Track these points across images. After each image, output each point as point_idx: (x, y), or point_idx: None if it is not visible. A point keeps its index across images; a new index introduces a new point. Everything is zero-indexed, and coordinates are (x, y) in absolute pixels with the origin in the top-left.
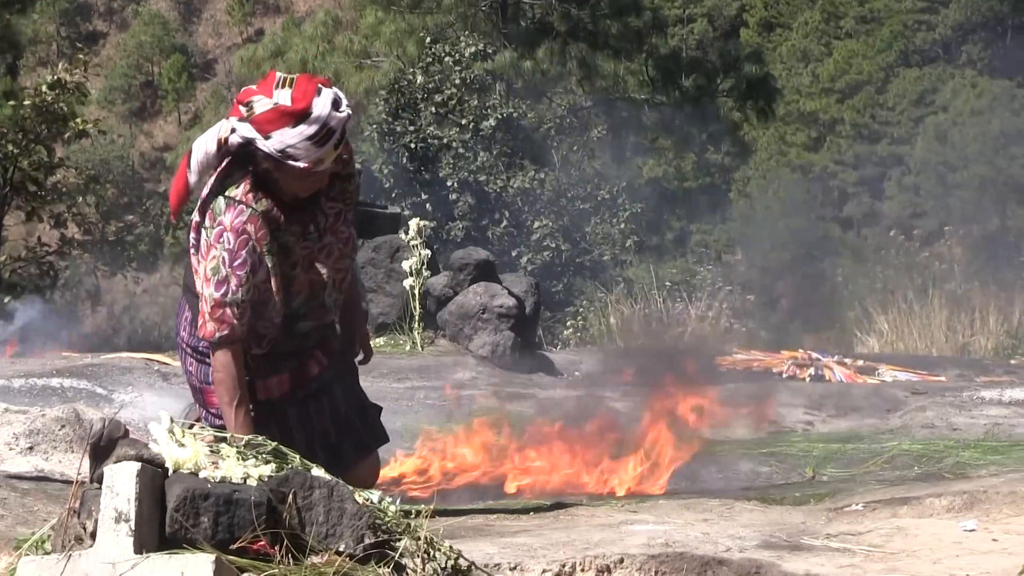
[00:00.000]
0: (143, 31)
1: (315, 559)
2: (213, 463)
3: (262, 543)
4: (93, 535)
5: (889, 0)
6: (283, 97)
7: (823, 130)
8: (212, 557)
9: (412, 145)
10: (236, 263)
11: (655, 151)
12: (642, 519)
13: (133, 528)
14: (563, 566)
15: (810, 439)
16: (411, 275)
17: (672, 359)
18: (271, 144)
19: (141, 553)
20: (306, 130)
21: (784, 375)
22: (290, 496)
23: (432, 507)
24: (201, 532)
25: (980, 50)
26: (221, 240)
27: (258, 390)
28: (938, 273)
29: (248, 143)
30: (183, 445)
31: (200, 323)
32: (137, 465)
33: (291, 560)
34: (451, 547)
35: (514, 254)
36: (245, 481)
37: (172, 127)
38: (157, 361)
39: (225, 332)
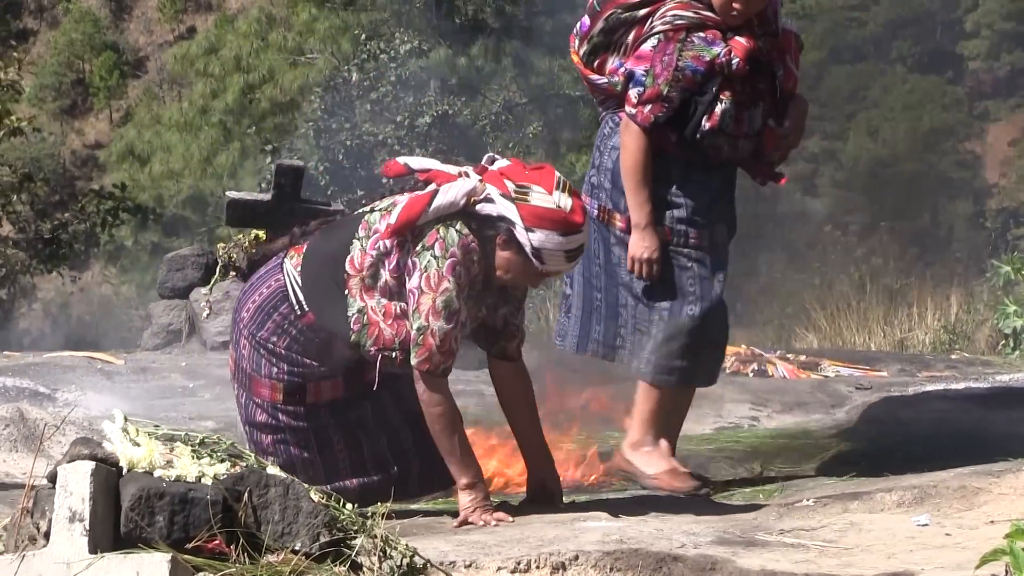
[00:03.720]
0: (74, 28)
1: (271, 558)
2: (168, 462)
3: (218, 542)
4: (47, 535)
5: None
6: (564, 202)
7: None
8: (168, 556)
9: (347, 142)
10: (464, 295)
11: (590, 147)
12: (595, 516)
13: (88, 528)
14: (518, 563)
15: (757, 435)
16: None
17: None
18: (531, 237)
19: (96, 553)
20: (567, 243)
21: (727, 370)
22: (246, 494)
23: (388, 505)
24: (156, 531)
25: (911, 46)
26: (454, 273)
27: (308, 392)
28: (875, 268)
29: (502, 219)
30: (137, 444)
31: (422, 355)
32: (91, 464)
33: (247, 559)
34: (407, 545)
35: None
36: (200, 480)
37: (104, 125)
38: (100, 359)
39: (448, 364)
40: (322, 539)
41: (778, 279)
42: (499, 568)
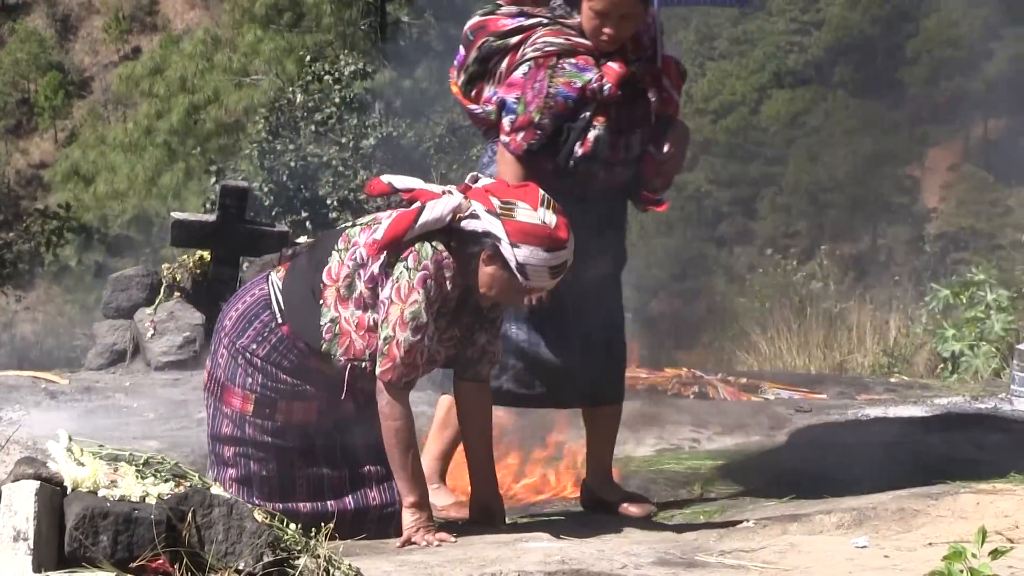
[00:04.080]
0: (19, 48)
1: None
2: (112, 482)
3: (161, 561)
4: None
5: (762, 22)
6: (549, 219)
7: (697, 150)
8: (111, 575)
9: (292, 163)
10: (433, 310)
11: None
12: (537, 536)
13: (32, 547)
14: None
15: (697, 456)
16: None
17: None
18: (517, 253)
19: (40, 572)
20: (552, 259)
21: (669, 392)
22: (189, 514)
23: (331, 525)
24: (100, 550)
25: (851, 72)
26: (425, 286)
27: (278, 410)
28: (815, 292)
29: (487, 235)
30: (82, 464)
31: (386, 365)
32: (36, 484)
33: None
34: (349, 565)
35: None
36: (144, 499)
37: (48, 144)
38: (44, 379)
39: (411, 377)
40: (265, 559)
41: (719, 302)
42: None
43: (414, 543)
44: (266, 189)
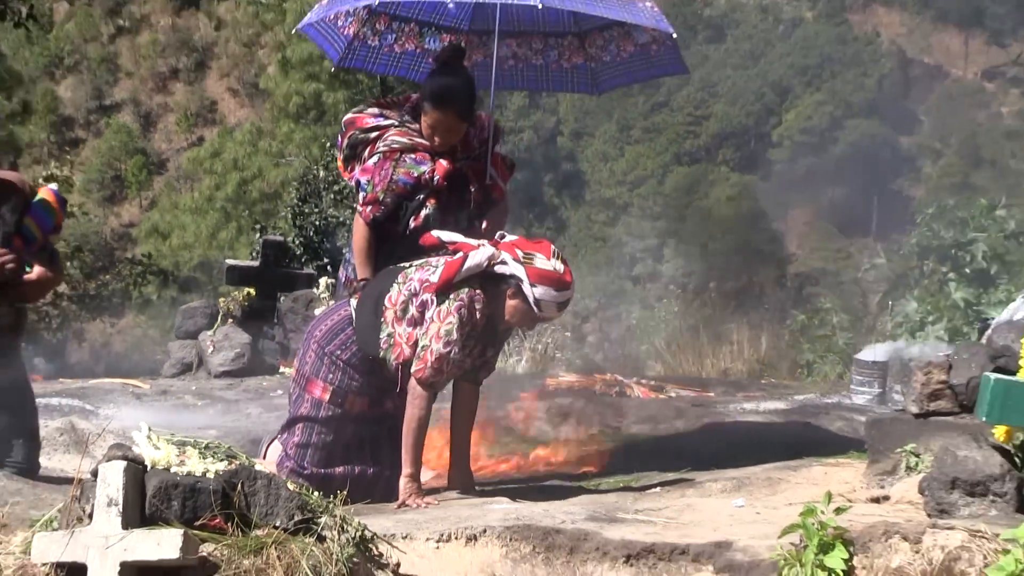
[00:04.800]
0: (113, 137)
1: (258, 532)
2: (181, 461)
3: (218, 521)
4: (91, 516)
5: (665, 115)
6: (558, 267)
7: (618, 211)
8: (181, 531)
9: (317, 222)
10: (463, 333)
11: None
12: (499, 500)
13: (121, 510)
14: (441, 535)
15: (618, 439)
16: None
17: (512, 381)
18: (535, 291)
19: (127, 529)
20: (560, 297)
21: (598, 392)
22: (239, 485)
23: (345, 493)
24: (172, 513)
25: (732, 152)
26: (459, 313)
27: (347, 400)
28: (706, 316)
29: (513, 277)
30: (158, 448)
31: (420, 366)
32: (124, 463)
33: (240, 533)
34: (359, 522)
35: None
36: (205, 474)
37: (135, 209)
38: (131, 384)
39: (437, 380)
40: (296, 518)
41: (635, 324)
42: (427, 539)
43: (407, 505)
44: (297, 242)
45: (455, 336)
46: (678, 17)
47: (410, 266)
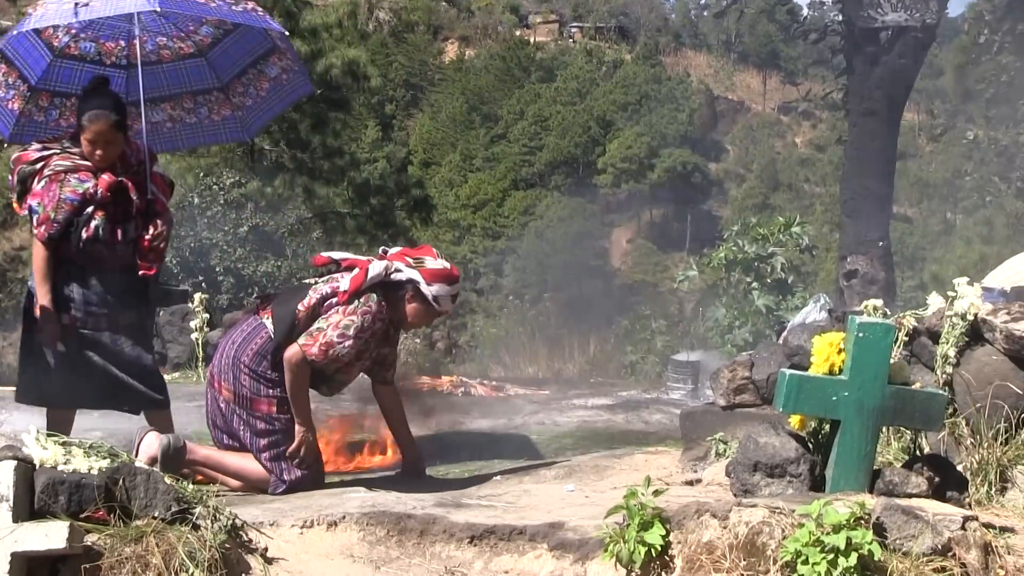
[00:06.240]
0: (4, 168)
1: (138, 522)
2: (67, 460)
3: (102, 513)
4: None
5: (504, 146)
6: (445, 264)
7: (463, 232)
8: (67, 523)
9: (192, 244)
10: (360, 337)
11: (354, 246)
12: (356, 489)
13: (12, 505)
14: (305, 522)
15: (464, 433)
16: (197, 330)
17: (366, 382)
18: (431, 289)
19: (17, 522)
20: (452, 290)
21: (445, 391)
22: (121, 480)
23: (217, 486)
24: (59, 507)
25: (563, 178)
26: (363, 317)
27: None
28: (541, 323)
29: (410, 281)
30: (46, 448)
31: (309, 342)
32: (14, 462)
33: (122, 523)
34: (230, 511)
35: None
36: (90, 471)
37: (25, 234)
38: None
39: (317, 361)
40: (173, 509)
41: (479, 331)
42: (292, 525)
43: (296, 448)
44: (174, 261)
45: (351, 333)
46: (514, 59)
47: (316, 281)
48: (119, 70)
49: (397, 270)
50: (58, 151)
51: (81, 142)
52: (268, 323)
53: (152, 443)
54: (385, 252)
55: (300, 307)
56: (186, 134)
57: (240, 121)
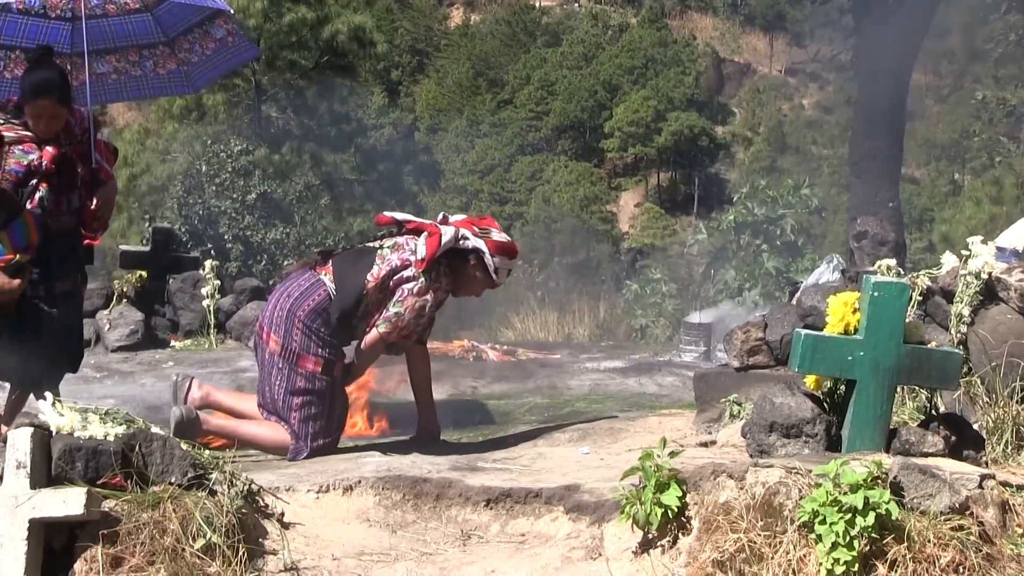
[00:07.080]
0: None
1: (155, 488)
2: (83, 426)
3: (119, 479)
4: (1, 478)
5: (510, 111)
6: (507, 238)
7: (470, 197)
8: (84, 490)
9: (200, 212)
10: (432, 313)
11: (363, 213)
12: (372, 454)
13: (29, 472)
14: (321, 487)
15: (478, 397)
16: (208, 297)
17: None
18: (494, 261)
19: (35, 489)
20: (509, 263)
21: (457, 356)
22: (137, 446)
23: (234, 452)
24: (76, 473)
25: (570, 143)
26: (436, 295)
27: (335, 369)
28: (551, 288)
29: (475, 251)
30: (62, 415)
31: (389, 328)
32: (31, 429)
33: (139, 489)
34: (246, 477)
35: (271, 283)
36: (106, 437)
37: None
38: None
39: (399, 342)
40: (189, 475)
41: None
42: (308, 490)
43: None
44: (183, 229)
45: (426, 314)
46: (519, 24)
47: (381, 247)
48: (64, 23)
49: (464, 237)
50: (1, 121)
51: (26, 114)
52: (327, 280)
53: (195, 393)
54: (446, 218)
55: (369, 277)
56: (131, 86)
57: (185, 76)
